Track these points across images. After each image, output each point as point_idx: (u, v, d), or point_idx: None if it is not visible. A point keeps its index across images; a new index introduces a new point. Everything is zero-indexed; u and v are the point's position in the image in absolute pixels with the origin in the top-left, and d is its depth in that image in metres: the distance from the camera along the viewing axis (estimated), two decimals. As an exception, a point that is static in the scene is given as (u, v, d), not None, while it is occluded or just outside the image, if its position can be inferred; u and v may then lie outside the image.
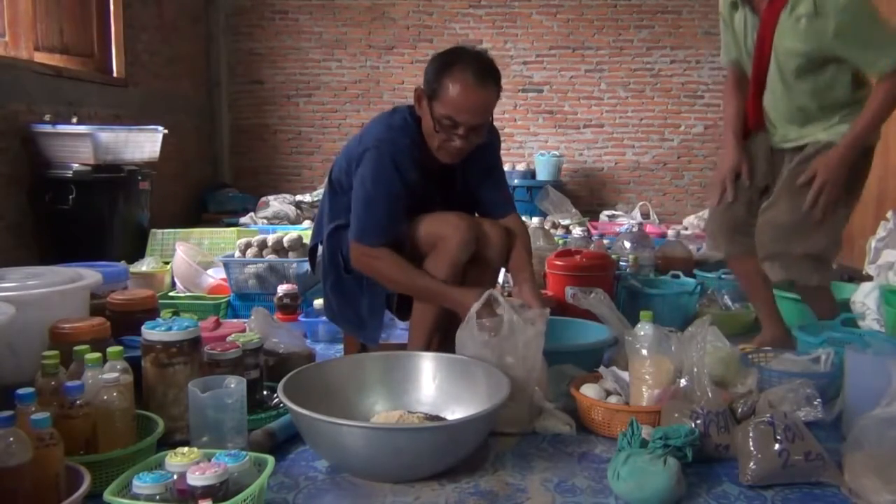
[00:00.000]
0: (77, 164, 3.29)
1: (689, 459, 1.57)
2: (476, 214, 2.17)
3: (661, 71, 5.56)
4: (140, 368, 1.73)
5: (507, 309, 1.85)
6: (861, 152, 2.23)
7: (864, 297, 2.61)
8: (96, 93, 3.96)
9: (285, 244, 3.06)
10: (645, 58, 5.55)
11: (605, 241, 3.75)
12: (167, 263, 3.34)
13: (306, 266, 2.68)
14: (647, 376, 1.83)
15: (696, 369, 1.73)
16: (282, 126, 5.72)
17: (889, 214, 3.25)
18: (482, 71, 1.92)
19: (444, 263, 1.96)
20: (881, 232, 3.18)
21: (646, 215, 5.09)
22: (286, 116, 5.71)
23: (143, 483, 1.27)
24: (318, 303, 2.69)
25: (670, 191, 5.67)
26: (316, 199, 4.62)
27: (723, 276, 3.21)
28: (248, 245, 3.07)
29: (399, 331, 2.56)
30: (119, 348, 1.63)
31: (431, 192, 2.09)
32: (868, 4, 2.11)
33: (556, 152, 5.39)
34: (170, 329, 1.73)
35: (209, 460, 1.35)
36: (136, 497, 1.28)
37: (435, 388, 1.91)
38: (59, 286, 2.02)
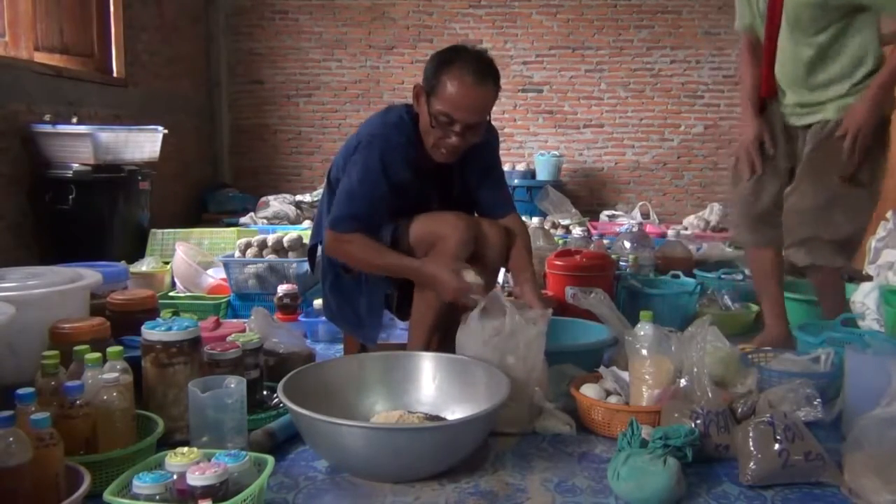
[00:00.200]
0: (77, 164, 3.29)
1: (689, 459, 1.57)
2: (475, 214, 2.18)
3: (661, 71, 5.55)
4: (140, 368, 1.73)
5: (510, 309, 1.85)
6: (882, 116, 2.22)
7: (863, 297, 2.61)
8: (96, 93, 3.96)
9: (285, 244, 3.06)
10: (645, 58, 5.55)
11: (605, 241, 3.75)
12: (167, 263, 3.34)
13: (306, 266, 2.68)
14: (647, 376, 1.83)
15: (696, 369, 1.73)
16: (282, 126, 5.72)
17: (889, 214, 3.26)
18: (481, 69, 1.92)
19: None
20: (881, 232, 3.19)
21: (646, 215, 5.09)
22: (286, 116, 5.71)
23: (143, 483, 1.27)
24: (318, 303, 2.69)
25: (670, 191, 5.67)
26: (316, 199, 4.62)
27: (723, 277, 3.21)
28: (248, 245, 3.07)
29: (399, 331, 2.56)
30: (119, 348, 1.63)
31: (427, 191, 2.09)
32: None
33: (556, 152, 5.39)
34: (170, 329, 1.73)
35: (209, 460, 1.35)
36: (136, 497, 1.28)
37: (435, 388, 1.91)
38: (59, 286, 2.02)
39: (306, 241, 2.81)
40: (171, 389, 1.72)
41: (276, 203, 4.63)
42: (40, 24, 3.63)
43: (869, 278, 2.87)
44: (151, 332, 1.72)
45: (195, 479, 1.28)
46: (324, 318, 2.47)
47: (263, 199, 4.74)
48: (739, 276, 3.21)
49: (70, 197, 3.26)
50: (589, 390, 1.90)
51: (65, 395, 1.48)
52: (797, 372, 1.99)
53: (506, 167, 5.25)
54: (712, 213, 4.72)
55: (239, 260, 3.02)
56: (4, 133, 3.22)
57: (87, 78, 3.95)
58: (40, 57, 3.59)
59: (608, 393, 1.90)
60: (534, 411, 1.85)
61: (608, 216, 5.09)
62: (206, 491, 1.27)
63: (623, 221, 4.66)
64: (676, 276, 3.12)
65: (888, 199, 3.59)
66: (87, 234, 3.34)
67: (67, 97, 3.67)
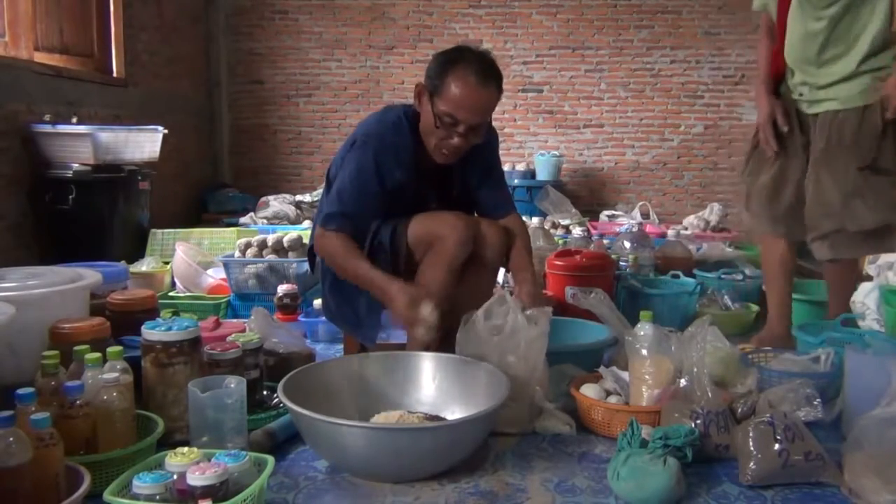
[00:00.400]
0: (77, 164, 3.28)
1: (689, 459, 1.57)
2: (475, 215, 2.18)
3: (661, 71, 5.55)
4: (140, 368, 1.73)
5: (512, 308, 1.85)
6: None
7: (864, 297, 2.61)
8: (96, 93, 3.96)
9: (285, 244, 3.06)
10: (645, 58, 5.55)
11: (605, 241, 3.75)
12: (167, 263, 3.35)
13: (306, 266, 2.68)
14: (647, 376, 1.83)
15: (696, 369, 1.73)
16: (282, 126, 5.72)
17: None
18: (485, 71, 1.93)
19: (442, 263, 1.96)
20: (881, 232, 3.18)
21: (646, 215, 5.09)
22: (286, 116, 5.71)
23: (143, 483, 1.27)
24: (318, 303, 2.69)
25: (670, 191, 5.67)
26: (316, 198, 4.62)
27: (723, 277, 3.21)
28: (248, 245, 3.07)
29: (399, 331, 2.56)
30: (119, 348, 1.63)
31: (426, 192, 2.09)
32: None
33: (556, 152, 5.39)
34: (170, 329, 1.73)
35: (209, 460, 1.35)
36: (135, 497, 1.28)
37: (435, 388, 1.91)
38: (59, 286, 2.02)
39: (306, 241, 2.81)
40: (171, 389, 1.72)
41: (276, 203, 4.63)
42: (40, 24, 3.62)
43: (869, 278, 2.87)
44: (151, 332, 1.72)
45: (195, 479, 1.28)
46: (324, 318, 2.47)
47: (263, 199, 4.73)
48: (739, 276, 3.21)
49: (70, 197, 3.26)
50: (589, 390, 1.90)
51: (65, 395, 1.48)
52: (797, 372, 1.99)
53: (506, 167, 5.25)
54: (712, 213, 4.72)
55: (239, 260, 3.02)
56: (4, 133, 3.22)
57: (87, 78, 3.95)
58: (40, 57, 3.58)
59: (608, 393, 1.90)
60: (534, 411, 1.86)
61: (608, 216, 5.08)
62: (206, 491, 1.27)
63: (623, 221, 4.66)
64: (676, 276, 3.12)
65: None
66: (87, 234, 3.34)
67: (67, 97, 3.66)
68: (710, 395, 1.71)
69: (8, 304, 1.73)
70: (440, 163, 2.03)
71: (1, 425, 1.24)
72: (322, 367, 1.94)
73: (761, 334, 2.55)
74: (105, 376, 1.54)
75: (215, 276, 3.13)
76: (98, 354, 1.59)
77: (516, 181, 5.10)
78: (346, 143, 2.10)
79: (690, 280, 3.07)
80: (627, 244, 3.59)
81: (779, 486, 1.56)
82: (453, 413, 1.84)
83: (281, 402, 1.70)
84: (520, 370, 1.82)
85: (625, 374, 1.94)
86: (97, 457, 1.48)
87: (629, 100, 5.59)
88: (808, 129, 2.40)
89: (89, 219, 3.35)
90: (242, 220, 4.48)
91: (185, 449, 1.37)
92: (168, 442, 1.65)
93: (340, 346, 2.46)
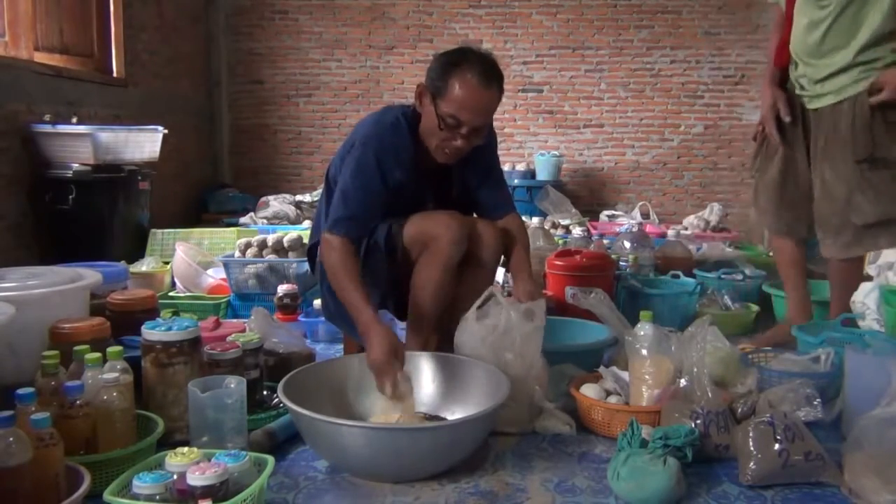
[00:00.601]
0: (77, 164, 3.28)
1: (689, 459, 1.57)
2: (474, 215, 2.18)
3: (661, 71, 5.55)
4: (140, 368, 1.73)
5: (504, 306, 1.85)
6: None
7: (864, 297, 2.61)
8: (96, 93, 3.96)
9: (285, 244, 3.06)
10: (645, 58, 5.54)
11: (605, 241, 3.75)
12: (167, 263, 3.34)
13: (306, 266, 2.68)
14: (647, 376, 1.83)
15: (696, 369, 1.73)
16: (282, 126, 5.72)
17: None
18: (488, 72, 1.93)
19: (437, 263, 1.97)
20: (881, 232, 3.18)
21: (646, 215, 5.08)
22: (286, 116, 5.71)
23: (143, 483, 1.27)
24: (318, 303, 2.69)
25: (670, 191, 5.67)
26: (316, 198, 4.62)
27: (723, 277, 3.21)
28: (248, 245, 3.07)
29: (398, 330, 2.55)
30: (119, 348, 1.63)
31: (425, 192, 2.10)
32: None
33: (556, 152, 5.39)
34: (170, 329, 1.73)
35: (209, 460, 1.35)
36: (136, 497, 1.28)
37: (435, 388, 1.91)
38: (59, 286, 2.02)
39: (306, 241, 2.81)
40: (171, 389, 1.72)
41: (276, 203, 4.63)
42: (40, 24, 3.62)
43: (869, 278, 2.87)
44: (151, 332, 1.73)
45: (195, 479, 1.28)
46: (323, 318, 2.47)
47: (263, 199, 4.73)
48: (739, 276, 3.21)
49: (70, 197, 3.26)
50: (589, 390, 1.90)
51: (65, 395, 1.48)
52: (797, 372, 1.99)
53: (506, 167, 5.25)
54: (712, 213, 4.72)
55: (239, 260, 3.02)
56: (4, 133, 3.22)
57: (87, 78, 3.95)
58: (40, 57, 3.58)
59: (608, 393, 1.90)
60: (534, 411, 1.86)
61: (608, 216, 5.08)
62: (206, 491, 1.27)
63: (623, 221, 4.66)
64: (676, 276, 3.12)
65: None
66: (87, 234, 3.34)
67: (67, 97, 3.66)
68: (710, 395, 1.71)
69: (8, 304, 1.73)
70: (441, 163, 2.03)
71: (1, 425, 1.24)
72: (322, 367, 1.94)
73: (779, 327, 2.57)
74: (105, 376, 1.54)
75: (215, 276, 3.13)
76: (98, 354, 1.59)
77: (516, 181, 5.09)
78: (344, 144, 2.10)
79: (690, 280, 3.07)
80: (627, 244, 3.59)
81: (779, 486, 1.56)
82: (453, 413, 1.84)
83: (281, 402, 1.70)
84: (517, 367, 1.82)
85: (625, 374, 1.94)
86: (97, 457, 1.48)
87: (629, 100, 5.59)
88: (810, 125, 2.42)
89: (89, 219, 3.35)
90: (242, 220, 4.48)
91: (185, 449, 1.37)
92: (168, 442, 1.65)
93: (340, 346, 2.46)
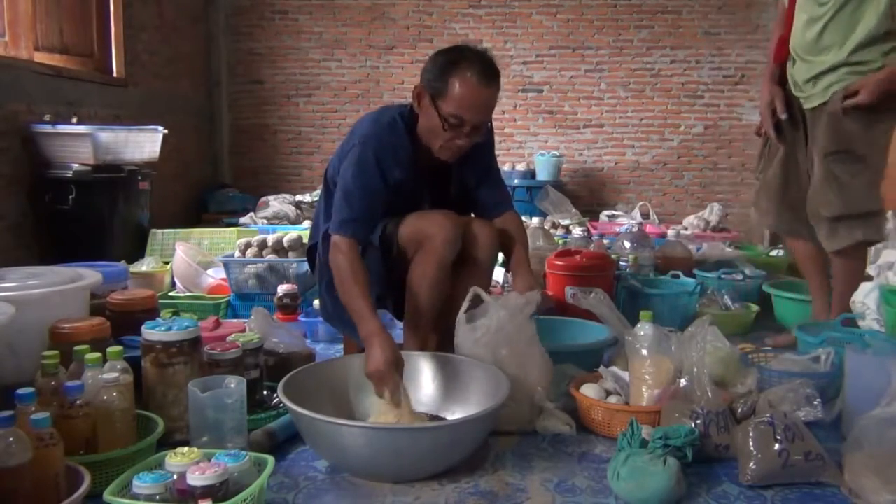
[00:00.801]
0: (77, 164, 3.28)
1: (689, 459, 1.57)
2: (473, 214, 2.18)
3: (661, 71, 5.55)
4: (140, 368, 1.73)
5: (492, 305, 1.86)
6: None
7: (864, 297, 2.61)
8: (96, 93, 3.96)
9: (285, 244, 3.06)
10: (645, 58, 5.55)
11: (605, 241, 3.75)
12: (167, 263, 3.34)
13: (306, 266, 2.68)
14: (647, 376, 1.83)
15: (696, 369, 1.73)
16: (282, 126, 5.72)
17: (889, 215, 3.25)
18: (487, 69, 1.94)
19: (431, 263, 1.97)
20: (881, 232, 3.18)
21: (646, 215, 5.09)
22: (286, 116, 5.71)
23: (143, 483, 1.27)
24: (318, 303, 2.69)
25: (670, 191, 5.67)
26: (316, 198, 4.62)
27: (723, 276, 3.21)
28: (248, 245, 3.07)
29: (398, 330, 2.56)
30: (119, 348, 1.63)
31: (423, 192, 2.10)
32: None
33: (556, 152, 5.39)
34: (170, 329, 1.73)
35: (209, 460, 1.35)
36: (135, 497, 1.28)
37: (435, 388, 1.91)
38: (59, 286, 2.02)
39: (306, 241, 2.81)
40: (171, 389, 1.72)
41: (276, 203, 4.63)
42: (40, 24, 3.62)
43: (869, 278, 2.87)
44: (151, 332, 1.73)
45: (195, 479, 1.28)
46: (321, 318, 2.47)
47: (263, 199, 4.73)
48: (739, 276, 3.21)
49: (70, 197, 3.26)
50: (589, 390, 1.90)
51: (65, 395, 1.48)
52: (797, 372, 1.99)
53: (506, 167, 5.26)
54: (712, 213, 4.72)
55: (239, 260, 3.02)
56: (4, 133, 3.22)
57: (87, 78, 3.95)
58: (40, 57, 3.58)
59: (608, 393, 1.90)
60: (534, 410, 1.85)
61: (608, 216, 5.08)
62: (206, 491, 1.27)
63: (623, 221, 4.66)
64: (676, 276, 3.12)
65: (888, 199, 3.59)
66: (87, 234, 3.34)
67: (67, 97, 3.66)
68: (710, 395, 1.71)
69: (8, 304, 1.73)
70: (445, 161, 2.03)
71: (1, 425, 1.24)
72: (322, 367, 1.94)
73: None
74: (105, 376, 1.54)
75: (215, 276, 3.13)
76: (98, 354, 1.59)
77: (516, 181, 5.10)
78: (342, 145, 2.10)
79: (690, 280, 3.07)
80: (627, 244, 3.59)
81: (779, 486, 1.56)
82: (453, 413, 1.84)
83: (281, 402, 1.70)
84: (514, 362, 1.82)
85: (625, 374, 1.94)
86: (97, 457, 1.48)
87: (629, 100, 5.59)
88: (807, 125, 2.44)
89: (89, 219, 3.35)
90: (242, 220, 4.48)
91: (185, 449, 1.37)
92: (168, 442, 1.65)
93: (340, 346, 2.46)
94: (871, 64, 2.24)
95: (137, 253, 3.52)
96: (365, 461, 1.57)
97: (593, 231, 4.33)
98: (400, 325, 2.42)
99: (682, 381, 1.77)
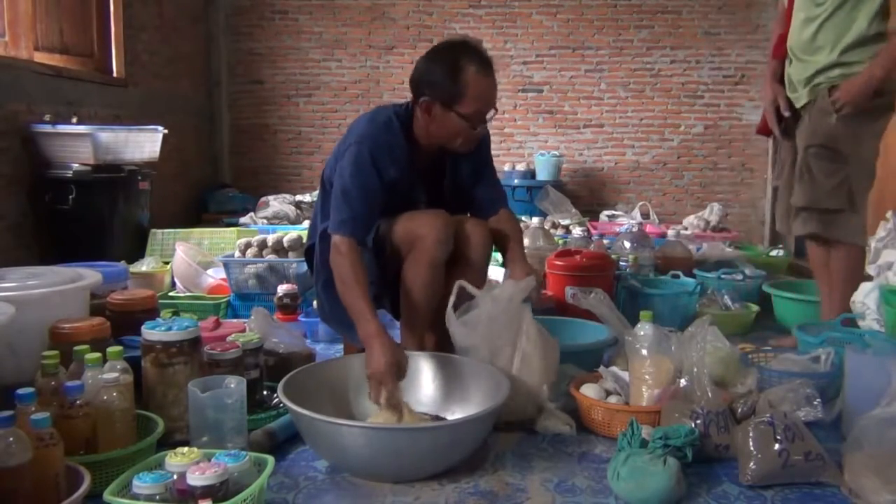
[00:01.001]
0: (77, 164, 3.28)
1: (689, 459, 1.57)
2: (469, 212, 2.20)
3: (661, 71, 5.55)
4: (140, 368, 1.73)
5: (481, 296, 1.86)
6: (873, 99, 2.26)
7: (864, 297, 2.61)
8: (96, 93, 3.96)
9: (285, 244, 3.06)
10: (645, 58, 5.54)
11: (605, 241, 3.75)
12: (167, 263, 3.34)
13: (306, 266, 2.68)
14: (647, 376, 1.83)
15: (696, 369, 1.73)
16: (282, 126, 5.72)
17: (889, 215, 3.25)
18: (484, 59, 1.98)
19: (423, 263, 1.97)
20: (881, 232, 3.18)
21: (646, 215, 5.08)
22: (286, 116, 5.71)
23: (143, 483, 1.27)
24: (316, 303, 2.69)
25: (670, 191, 5.67)
26: (315, 198, 4.62)
27: (723, 276, 3.21)
28: (248, 245, 3.07)
29: (398, 330, 2.56)
30: (119, 348, 1.63)
31: (418, 189, 2.11)
32: None
33: (556, 152, 5.39)
34: (170, 329, 1.73)
35: (209, 460, 1.35)
36: (136, 497, 1.28)
37: (435, 388, 1.92)
38: (59, 286, 2.02)
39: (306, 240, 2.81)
40: (171, 389, 1.72)
41: (276, 203, 4.62)
42: (40, 24, 3.62)
43: (869, 278, 2.87)
44: (151, 332, 1.73)
45: (195, 479, 1.28)
46: (319, 318, 2.47)
47: (263, 199, 4.73)
48: (739, 276, 3.21)
49: (70, 197, 3.26)
50: (589, 390, 1.90)
51: (65, 395, 1.48)
52: (797, 372, 1.99)
53: (506, 167, 5.26)
54: (712, 213, 4.72)
55: (239, 260, 3.02)
56: (4, 133, 3.22)
57: (87, 78, 3.95)
58: (40, 57, 3.58)
59: (608, 393, 1.90)
60: (536, 400, 1.85)
61: (608, 216, 5.08)
62: (206, 491, 1.27)
63: (623, 221, 4.66)
64: (676, 276, 3.12)
65: (888, 199, 3.59)
66: (87, 234, 3.34)
67: (67, 97, 3.66)
68: (710, 395, 1.71)
69: (8, 304, 1.73)
70: (463, 153, 2.07)
71: (1, 425, 1.24)
72: (322, 367, 1.94)
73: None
74: (105, 376, 1.54)
75: (215, 276, 3.13)
76: (98, 354, 1.59)
77: (516, 181, 5.10)
78: (338, 146, 2.10)
79: (690, 280, 3.07)
80: (627, 244, 3.59)
81: (779, 486, 1.56)
82: (453, 413, 1.84)
83: (281, 402, 1.70)
84: (510, 352, 1.83)
85: (625, 374, 1.94)
86: (97, 457, 1.48)
87: (629, 100, 5.59)
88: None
89: (89, 219, 3.35)
90: (242, 220, 4.48)
91: (185, 449, 1.37)
92: (168, 442, 1.65)
93: (340, 346, 2.46)
94: (860, 65, 2.26)
95: (137, 253, 3.52)
96: (365, 461, 1.57)
97: (593, 231, 4.33)
98: (399, 324, 2.43)
99: (682, 381, 1.77)
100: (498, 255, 2.35)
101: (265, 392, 1.96)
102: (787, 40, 2.45)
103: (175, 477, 1.31)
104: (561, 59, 5.58)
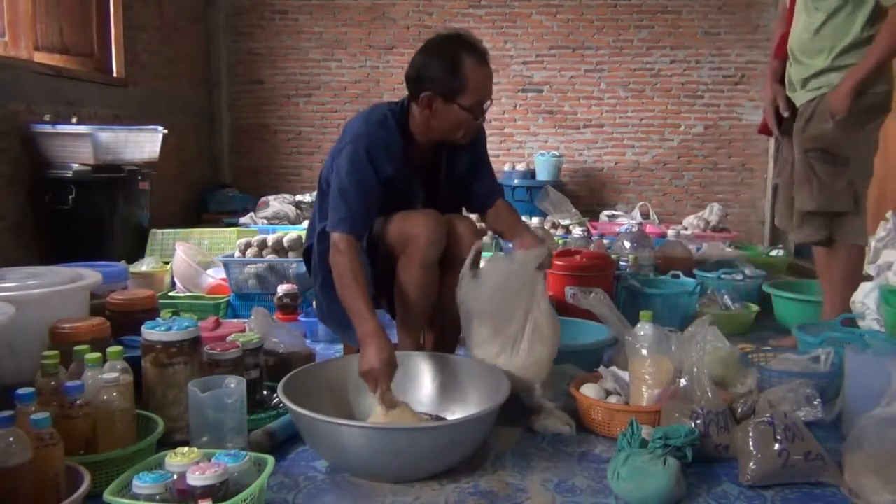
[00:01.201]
0: (77, 164, 3.28)
1: (689, 459, 1.57)
2: (466, 206, 2.22)
3: (661, 71, 5.55)
4: (140, 368, 1.73)
5: (498, 257, 1.88)
6: (867, 96, 2.28)
7: (863, 297, 2.61)
8: (96, 93, 3.96)
9: (285, 244, 3.06)
10: (645, 58, 5.54)
11: (605, 241, 3.75)
12: (167, 263, 3.35)
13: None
14: (647, 376, 1.83)
15: (696, 369, 1.73)
16: (282, 126, 5.72)
17: (889, 215, 3.25)
18: (479, 49, 2.00)
19: (415, 264, 1.98)
20: (881, 232, 3.18)
21: (646, 215, 5.08)
22: (286, 116, 5.71)
23: (143, 483, 1.27)
24: (314, 303, 2.69)
25: (670, 191, 5.67)
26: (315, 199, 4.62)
27: (723, 277, 3.21)
28: (248, 245, 3.07)
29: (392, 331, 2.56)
30: (119, 348, 1.63)
31: (414, 186, 2.12)
32: None
33: (556, 152, 5.39)
34: (170, 329, 1.73)
35: (209, 460, 1.35)
36: (135, 497, 1.28)
37: (435, 388, 1.92)
38: (59, 286, 2.02)
39: (306, 241, 2.81)
40: (171, 389, 1.72)
41: (276, 203, 4.62)
42: (40, 24, 3.62)
43: (869, 278, 2.87)
44: (151, 332, 1.73)
45: (195, 479, 1.28)
46: (317, 318, 2.47)
47: (263, 199, 4.73)
48: (739, 276, 3.21)
49: (70, 197, 3.26)
50: (589, 390, 1.90)
51: (65, 395, 1.48)
52: (797, 372, 1.99)
53: (506, 167, 5.26)
54: (712, 213, 4.72)
55: (239, 260, 3.02)
56: (4, 133, 3.22)
57: (87, 78, 3.95)
58: (40, 57, 3.58)
59: (608, 393, 1.90)
60: (544, 370, 1.87)
61: (608, 216, 5.08)
62: (206, 491, 1.27)
63: (623, 221, 4.66)
64: (676, 276, 3.12)
65: (888, 199, 3.59)
66: (87, 234, 3.34)
67: (67, 97, 3.66)
68: (710, 395, 1.71)
69: (8, 304, 1.73)
70: (463, 144, 2.08)
71: (1, 425, 1.24)
72: (322, 367, 1.94)
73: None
74: (105, 376, 1.54)
75: (215, 276, 3.13)
76: (98, 354, 1.59)
77: (516, 181, 5.10)
78: (335, 145, 2.11)
79: (690, 280, 3.07)
80: (627, 244, 3.59)
81: (779, 486, 1.57)
82: (453, 413, 1.84)
83: (281, 402, 1.70)
84: (521, 317, 1.84)
85: (625, 374, 1.94)
86: (97, 457, 1.48)
87: (629, 100, 5.59)
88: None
89: (89, 219, 3.35)
90: (242, 220, 4.48)
91: (185, 449, 1.37)
92: (168, 442, 1.65)
93: (340, 347, 2.46)
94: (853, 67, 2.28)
95: (137, 253, 3.53)
96: (365, 461, 1.57)
97: (593, 231, 4.33)
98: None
99: (682, 381, 1.77)
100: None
101: (265, 392, 1.96)
102: (782, 43, 2.46)
103: (175, 477, 1.31)
104: (561, 59, 5.58)
